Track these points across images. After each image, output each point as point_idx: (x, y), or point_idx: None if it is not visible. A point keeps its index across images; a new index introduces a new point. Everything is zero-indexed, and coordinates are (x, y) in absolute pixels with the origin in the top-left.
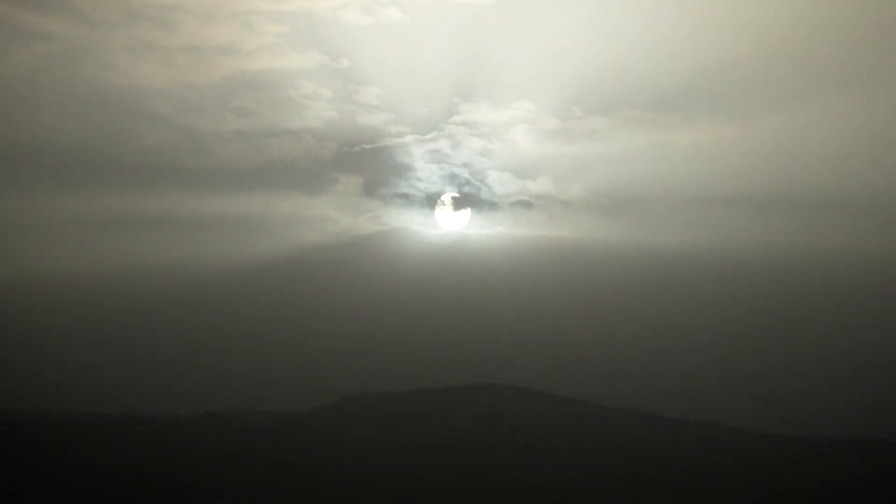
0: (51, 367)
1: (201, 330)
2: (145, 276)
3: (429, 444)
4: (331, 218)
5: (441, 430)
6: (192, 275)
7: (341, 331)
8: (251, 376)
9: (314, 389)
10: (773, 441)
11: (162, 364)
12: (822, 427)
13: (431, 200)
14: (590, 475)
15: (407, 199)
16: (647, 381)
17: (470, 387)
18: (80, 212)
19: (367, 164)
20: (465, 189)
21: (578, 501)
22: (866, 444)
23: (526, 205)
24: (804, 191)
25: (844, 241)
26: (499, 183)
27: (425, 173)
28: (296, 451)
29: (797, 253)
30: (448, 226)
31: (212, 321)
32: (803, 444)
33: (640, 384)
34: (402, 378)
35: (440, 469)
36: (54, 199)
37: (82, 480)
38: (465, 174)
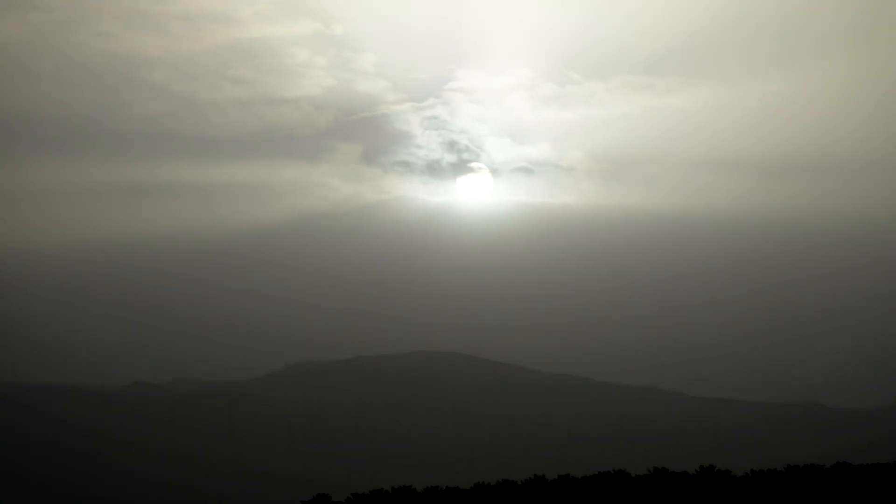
0: (13, 336)
1: (172, 300)
2: (126, 245)
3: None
4: (332, 186)
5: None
6: (186, 242)
7: (333, 294)
8: (200, 345)
9: (268, 357)
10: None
11: (135, 331)
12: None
13: (431, 168)
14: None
15: (407, 167)
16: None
17: (440, 354)
18: (75, 180)
19: (365, 132)
20: (465, 156)
21: (523, 461)
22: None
23: (526, 171)
24: (802, 152)
25: (841, 202)
26: (498, 149)
27: (424, 140)
28: (234, 419)
29: (794, 214)
30: (449, 194)
31: (186, 291)
32: (748, 406)
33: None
34: (360, 345)
35: (384, 435)
36: (50, 168)
37: (22, 445)
38: (464, 141)
